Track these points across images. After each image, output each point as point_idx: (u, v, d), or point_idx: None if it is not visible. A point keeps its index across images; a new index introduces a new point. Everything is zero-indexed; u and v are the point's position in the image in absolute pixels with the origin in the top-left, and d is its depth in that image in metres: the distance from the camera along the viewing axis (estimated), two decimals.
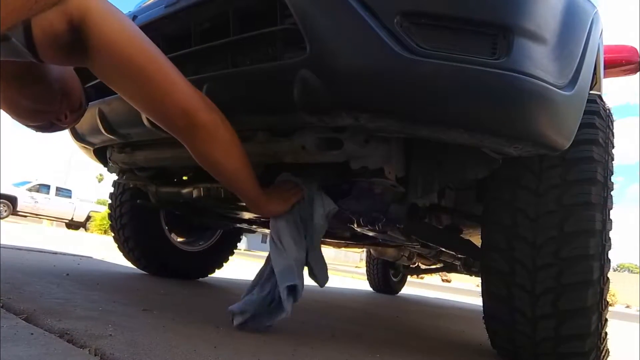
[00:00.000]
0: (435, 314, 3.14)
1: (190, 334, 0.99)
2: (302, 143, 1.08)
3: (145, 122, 1.18)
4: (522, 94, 0.92)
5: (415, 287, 6.76)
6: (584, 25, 1.08)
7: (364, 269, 4.79)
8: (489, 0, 0.92)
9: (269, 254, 1.18)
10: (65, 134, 1.59)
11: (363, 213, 1.33)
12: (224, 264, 2.53)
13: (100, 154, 1.68)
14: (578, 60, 1.03)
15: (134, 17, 1.23)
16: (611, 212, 1.18)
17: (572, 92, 1.00)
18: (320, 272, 1.23)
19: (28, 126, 1.09)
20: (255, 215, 1.76)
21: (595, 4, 1.16)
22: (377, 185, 1.23)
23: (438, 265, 3.44)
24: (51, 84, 1.02)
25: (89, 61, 0.90)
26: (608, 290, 1.17)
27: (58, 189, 14.17)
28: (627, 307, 19.65)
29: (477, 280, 1.76)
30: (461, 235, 1.75)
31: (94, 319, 0.97)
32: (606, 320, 1.20)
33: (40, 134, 1.15)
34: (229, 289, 2.28)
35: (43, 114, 1.06)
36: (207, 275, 2.46)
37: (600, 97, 1.25)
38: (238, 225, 2.15)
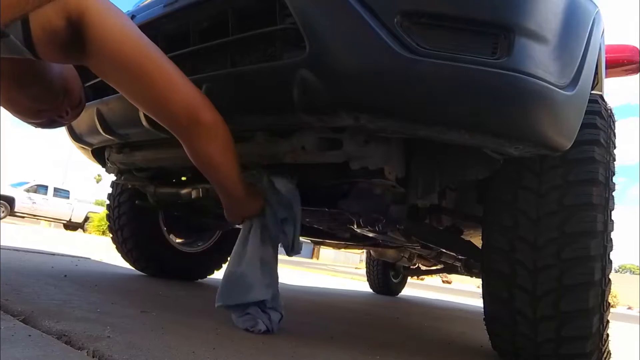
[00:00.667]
0: (435, 316, 3.13)
1: (189, 335, 0.98)
2: (302, 143, 1.08)
3: (144, 122, 1.18)
4: (523, 94, 0.92)
5: (416, 289, 6.75)
6: (586, 24, 1.08)
7: (363, 270, 4.78)
8: (489, 0, 0.91)
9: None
10: (64, 134, 1.58)
11: (363, 214, 1.32)
12: (223, 265, 2.52)
13: (99, 155, 1.68)
14: (579, 60, 1.03)
15: (132, 16, 1.23)
16: (613, 213, 1.17)
17: (574, 92, 1.00)
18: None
19: (28, 123, 1.09)
20: None
21: (597, 4, 1.16)
22: (377, 186, 1.23)
23: (438, 267, 3.43)
24: (52, 84, 1.02)
25: (88, 58, 0.90)
26: (610, 291, 1.16)
27: (56, 190, 14.13)
28: (629, 308, 19.64)
29: (478, 282, 1.76)
30: (462, 236, 1.75)
31: (92, 320, 0.96)
32: (608, 321, 1.20)
33: (38, 132, 1.16)
34: None
35: (45, 112, 1.06)
36: (206, 277, 2.45)
37: (601, 97, 1.25)
38: (237, 226, 2.14)
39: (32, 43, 0.82)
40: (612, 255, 1.17)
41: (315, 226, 1.85)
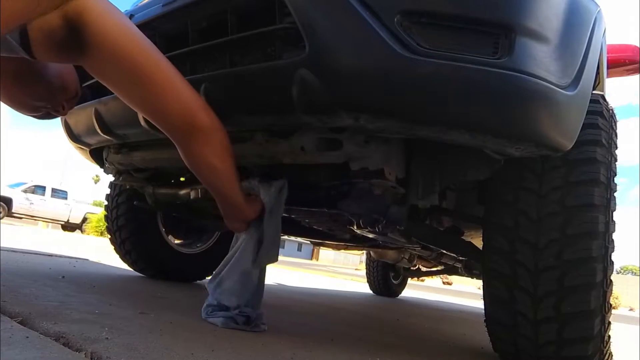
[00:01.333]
0: (436, 317, 3.13)
1: (188, 337, 0.97)
2: (301, 144, 1.07)
3: (142, 122, 1.17)
4: (524, 93, 0.92)
5: (416, 290, 6.75)
6: (587, 24, 1.07)
7: (363, 272, 4.78)
8: None
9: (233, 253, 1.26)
10: (62, 135, 1.58)
11: (363, 215, 1.32)
12: None
13: (97, 155, 1.67)
14: (581, 59, 1.02)
15: (130, 15, 1.22)
16: (614, 213, 1.17)
17: (575, 92, 0.99)
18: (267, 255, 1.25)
19: (26, 114, 1.10)
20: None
21: (598, 3, 1.15)
22: (377, 187, 1.22)
23: (439, 268, 3.43)
24: (51, 82, 1.02)
25: (85, 58, 0.89)
26: (611, 293, 1.16)
27: (54, 190, 14.11)
28: (631, 309, 19.65)
29: (479, 283, 1.75)
30: (462, 237, 1.74)
31: (90, 322, 0.96)
32: (609, 323, 1.19)
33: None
34: None
35: (43, 107, 1.07)
36: (204, 278, 2.44)
37: (603, 97, 1.24)
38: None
39: (28, 42, 0.81)
40: (614, 257, 1.16)
41: (315, 227, 1.84)
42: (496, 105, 0.92)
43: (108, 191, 2.20)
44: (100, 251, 4.06)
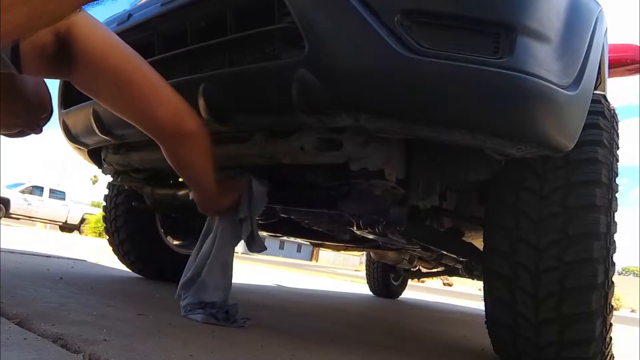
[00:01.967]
0: (436, 319, 3.12)
1: (187, 339, 0.97)
2: (301, 144, 1.07)
3: None
4: (524, 93, 0.91)
5: (416, 291, 6.74)
6: (588, 23, 1.07)
7: (363, 273, 4.77)
8: None
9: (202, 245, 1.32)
10: (60, 135, 1.57)
11: (363, 215, 1.31)
12: None
13: (95, 155, 1.66)
14: (582, 59, 1.02)
15: (129, 15, 1.22)
16: (616, 214, 1.16)
17: (576, 92, 0.99)
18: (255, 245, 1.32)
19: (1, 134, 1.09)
20: None
21: (599, 2, 1.15)
22: (377, 187, 1.22)
23: (439, 269, 3.42)
24: (30, 100, 1.03)
25: (73, 72, 0.92)
26: (613, 294, 1.15)
27: (52, 191, 14.08)
28: (632, 311, 19.64)
29: (479, 284, 1.75)
30: (463, 238, 1.74)
31: (88, 323, 0.95)
32: (611, 324, 1.18)
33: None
34: None
35: (20, 125, 1.07)
36: None
37: (604, 97, 1.24)
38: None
39: (18, 58, 0.82)
40: (615, 258, 1.16)
41: (315, 228, 1.84)
42: (497, 105, 0.92)
43: (106, 192, 2.19)
44: (98, 252, 4.05)
